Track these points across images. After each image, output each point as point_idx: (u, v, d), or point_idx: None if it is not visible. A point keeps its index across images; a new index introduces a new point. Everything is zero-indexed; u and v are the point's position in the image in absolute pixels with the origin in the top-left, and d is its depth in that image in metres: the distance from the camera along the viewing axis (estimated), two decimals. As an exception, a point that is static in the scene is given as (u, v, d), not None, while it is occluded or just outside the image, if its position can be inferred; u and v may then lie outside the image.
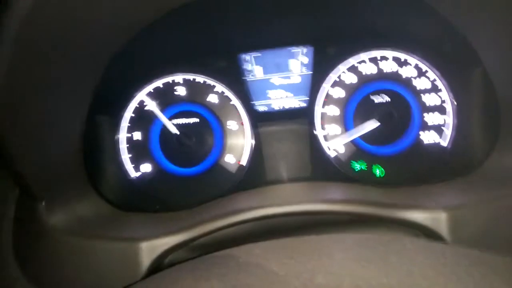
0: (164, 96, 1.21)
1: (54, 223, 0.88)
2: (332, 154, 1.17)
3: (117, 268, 0.84)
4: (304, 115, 1.20)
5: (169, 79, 1.21)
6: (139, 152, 1.19)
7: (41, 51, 0.72)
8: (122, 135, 1.19)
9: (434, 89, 1.16)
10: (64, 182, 0.95)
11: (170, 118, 1.20)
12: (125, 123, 1.19)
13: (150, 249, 0.83)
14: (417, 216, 0.83)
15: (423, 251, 0.56)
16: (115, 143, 1.18)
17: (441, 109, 1.15)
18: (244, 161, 1.19)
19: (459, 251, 0.57)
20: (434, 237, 0.82)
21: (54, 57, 0.76)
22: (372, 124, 1.14)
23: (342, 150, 1.17)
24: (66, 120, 0.93)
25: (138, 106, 1.20)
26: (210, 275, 0.53)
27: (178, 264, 0.68)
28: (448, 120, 1.14)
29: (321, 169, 1.17)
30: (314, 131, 1.18)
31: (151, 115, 1.20)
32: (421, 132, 1.15)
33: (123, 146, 1.18)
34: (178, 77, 1.21)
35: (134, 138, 1.19)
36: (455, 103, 1.13)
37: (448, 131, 1.14)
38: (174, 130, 1.18)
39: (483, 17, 0.89)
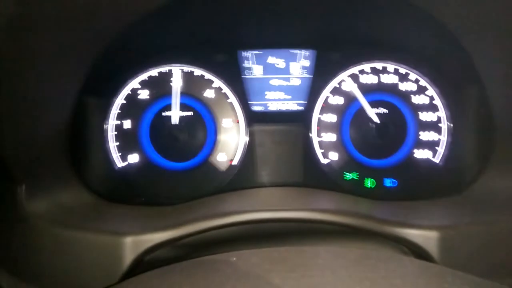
0: (158, 86, 1.16)
1: (34, 209, 0.83)
2: (325, 161, 1.16)
3: (99, 262, 0.80)
4: (301, 120, 1.18)
5: (165, 68, 1.17)
6: (127, 141, 1.14)
7: (39, 24, 0.68)
8: (111, 122, 1.14)
9: (431, 106, 1.16)
10: (47, 166, 0.90)
11: (161, 110, 1.16)
12: (115, 109, 1.14)
13: (135, 244, 0.80)
14: (408, 233, 0.83)
15: (424, 274, 0.55)
16: (103, 130, 1.12)
17: (436, 127, 1.16)
18: (235, 160, 1.16)
19: (459, 276, 0.57)
20: (423, 255, 0.82)
21: (51, 30, 0.72)
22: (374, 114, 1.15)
23: (335, 158, 1.16)
24: (54, 99, 0.87)
25: (130, 93, 1.15)
26: (208, 283, 0.50)
27: (167, 265, 0.66)
28: (442, 138, 1.15)
29: (312, 175, 1.16)
30: (310, 134, 1.16)
31: (143, 104, 1.16)
32: (414, 148, 1.16)
33: (111, 134, 1.13)
34: (175, 68, 1.17)
35: (124, 127, 1.14)
36: (451, 121, 1.14)
37: (441, 149, 1.15)
38: None
39: (490, 38, 0.89)
